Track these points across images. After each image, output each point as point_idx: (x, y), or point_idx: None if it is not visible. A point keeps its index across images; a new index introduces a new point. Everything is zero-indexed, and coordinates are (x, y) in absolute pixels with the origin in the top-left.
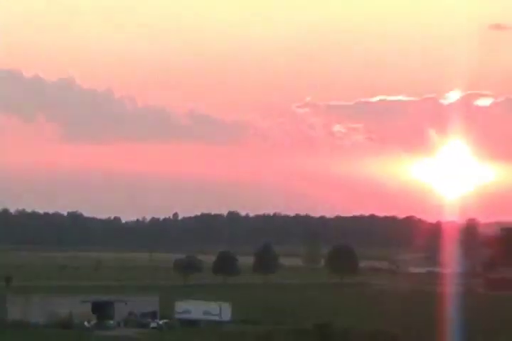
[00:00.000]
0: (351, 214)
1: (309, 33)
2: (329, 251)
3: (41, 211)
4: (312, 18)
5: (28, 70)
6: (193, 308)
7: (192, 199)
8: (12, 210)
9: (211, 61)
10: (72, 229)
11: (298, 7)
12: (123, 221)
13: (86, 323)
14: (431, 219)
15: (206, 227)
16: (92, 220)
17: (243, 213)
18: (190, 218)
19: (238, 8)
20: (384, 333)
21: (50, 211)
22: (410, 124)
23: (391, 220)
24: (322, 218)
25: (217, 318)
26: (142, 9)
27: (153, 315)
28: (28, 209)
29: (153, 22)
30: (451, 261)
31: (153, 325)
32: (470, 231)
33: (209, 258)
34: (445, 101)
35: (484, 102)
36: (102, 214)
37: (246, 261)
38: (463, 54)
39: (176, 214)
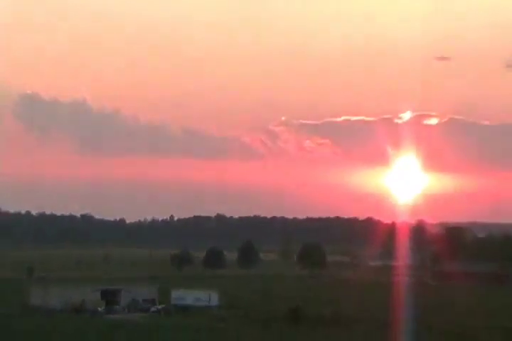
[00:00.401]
0: (319, 216)
1: (282, 63)
2: (300, 248)
3: (58, 213)
4: (283, 49)
5: (47, 93)
6: (186, 296)
7: (186, 203)
8: (34, 212)
9: (206, 87)
10: (84, 229)
11: (271, 35)
12: (127, 221)
13: (99, 308)
14: (387, 220)
15: (197, 227)
16: (101, 221)
17: (228, 215)
18: (184, 219)
19: (228, 34)
20: (345, 315)
21: (66, 213)
22: (369, 140)
23: (353, 221)
24: (295, 219)
25: (206, 304)
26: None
27: (153, 302)
28: (48, 212)
29: (151, 52)
30: (403, 255)
31: (152, 309)
32: (419, 230)
33: (200, 254)
34: (399, 121)
35: (431, 122)
36: (110, 216)
37: (231, 256)
38: (414, 81)
39: (172, 216)
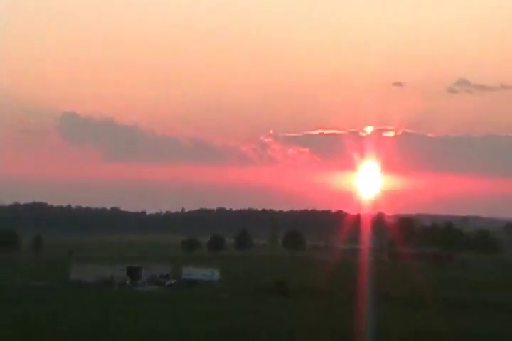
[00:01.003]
0: (300, 209)
1: (272, 87)
2: (285, 234)
3: (93, 206)
4: (273, 74)
5: (82, 112)
6: (194, 272)
7: (193, 199)
8: (73, 206)
9: (209, 106)
10: (113, 219)
11: (261, 59)
12: (147, 213)
13: (127, 282)
14: (353, 212)
15: (203, 218)
16: (127, 213)
17: (228, 208)
18: (192, 211)
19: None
20: (319, 289)
21: (99, 206)
22: (340, 149)
23: (327, 213)
24: (281, 211)
25: (210, 279)
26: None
27: (167, 277)
28: (84, 206)
29: (156, 73)
30: (366, 240)
31: (167, 283)
32: (378, 220)
33: (205, 239)
34: (363, 134)
35: (389, 134)
36: (133, 209)
37: (230, 241)
38: (376, 102)
39: (183, 209)
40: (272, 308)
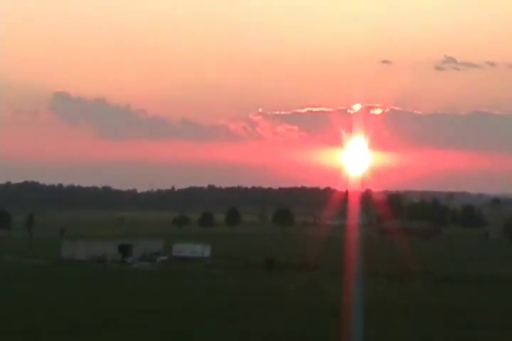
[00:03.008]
0: (289, 186)
1: (262, 66)
2: (275, 211)
3: (84, 185)
4: (262, 54)
5: (73, 92)
6: (184, 249)
7: (184, 176)
8: (65, 185)
9: (200, 85)
10: (105, 198)
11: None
12: (138, 191)
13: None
14: (341, 188)
15: (193, 195)
16: (118, 191)
17: (218, 185)
18: (182, 189)
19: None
20: (308, 264)
21: (90, 185)
22: (328, 126)
23: (315, 190)
24: (270, 189)
25: (200, 255)
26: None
27: (158, 254)
28: (75, 184)
29: (155, 59)
30: (354, 216)
31: (158, 259)
32: (366, 197)
33: (195, 216)
34: (351, 111)
35: (376, 112)
36: (125, 187)
37: (220, 218)
38: (364, 79)
39: (173, 187)
40: (261, 284)
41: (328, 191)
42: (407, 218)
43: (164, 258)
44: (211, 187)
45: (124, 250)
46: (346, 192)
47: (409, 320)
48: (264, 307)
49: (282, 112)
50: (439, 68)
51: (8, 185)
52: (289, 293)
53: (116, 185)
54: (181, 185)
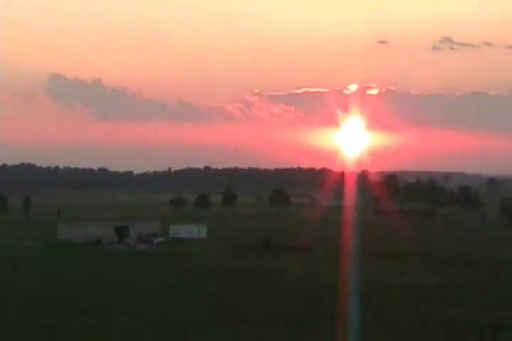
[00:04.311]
0: (285, 167)
1: (257, 49)
2: (270, 192)
3: (81, 167)
4: (256, 40)
5: (69, 74)
6: (181, 230)
7: (180, 158)
8: (61, 167)
9: (196, 66)
10: (101, 179)
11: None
12: (135, 173)
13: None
14: (338, 169)
15: (190, 176)
16: (115, 173)
17: (214, 167)
18: (179, 170)
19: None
20: (304, 245)
21: (87, 167)
22: (324, 107)
23: (312, 170)
24: (266, 170)
25: (197, 236)
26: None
27: (155, 235)
28: (72, 166)
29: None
30: (351, 197)
31: (155, 241)
32: (363, 178)
33: (192, 197)
34: (347, 92)
35: (372, 92)
36: (121, 169)
37: (216, 199)
38: (360, 60)
39: (170, 168)
40: (259, 264)
41: (324, 172)
42: (404, 199)
43: (161, 239)
44: (207, 169)
45: (121, 232)
46: (343, 173)
47: (406, 301)
48: (260, 288)
49: (279, 93)
50: (435, 48)
51: (4, 167)
52: (285, 274)
53: (113, 166)
54: (178, 166)
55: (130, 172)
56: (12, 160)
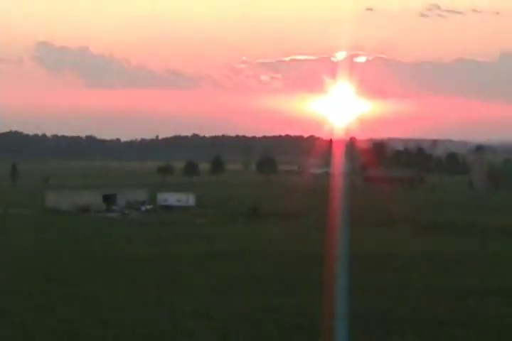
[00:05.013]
0: (273, 134)
1: (244, 16)
2: (258, 159)
3: (68, 135)
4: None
5: (56, 42)
6: (169, 198)
7: (168, 125)
8: (48, 135)
9: (183, 33)
10: (89, 147)
11: None
12: (122, 141)
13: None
14: (326, 137)
15: (177, 144)
16: (102, 141)
17: (202, 134)
18: (167, 138)
19: None
20: (292, 212)
21: (75, 134)
22: (312, 74)
23: (299, 138)
24: (253, 137)
25: (185, 204)
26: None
27: (143, 203)
28: (59, 134)
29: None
30: (339, 164)
31: (143, 209)
32: (351, 145)
33: (180, 165)
34: (335, 59)
35: (360, 60)
36: (108, 137)
37: (204, 167)
38: (347, 27)
39: (157, 136)
40: (245, 232)
41: (312, 139)
42: (392, 166)
43: (149, 207)
44: (195, 136)
45: (108, 199)
46: (330, 141)
47: (392, 267)
48: (248, 255)
49: (266, 60)
50: (423, 15)
51: None
52: (273, 241)
53: (100, 134)
54: (165, 134)
55: (118, 140)
56: None
